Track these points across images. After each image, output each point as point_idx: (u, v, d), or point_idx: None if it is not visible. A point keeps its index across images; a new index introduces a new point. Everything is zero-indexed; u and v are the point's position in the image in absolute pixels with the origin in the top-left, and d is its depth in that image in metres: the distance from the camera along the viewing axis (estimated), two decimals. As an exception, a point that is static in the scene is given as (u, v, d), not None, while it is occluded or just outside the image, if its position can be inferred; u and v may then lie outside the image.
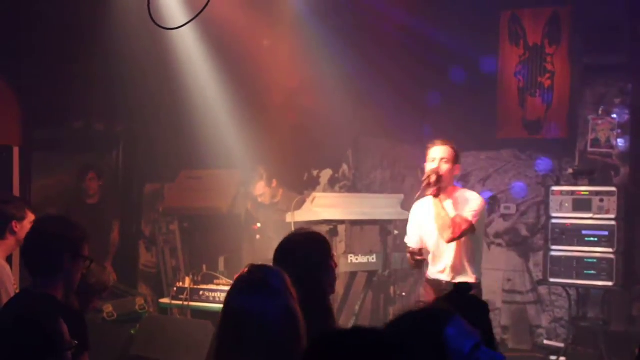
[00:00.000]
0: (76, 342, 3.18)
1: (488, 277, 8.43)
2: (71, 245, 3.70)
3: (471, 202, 5.70)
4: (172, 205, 8.64)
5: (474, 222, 5.62)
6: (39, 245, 3.69)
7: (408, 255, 5.74)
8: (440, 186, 5.63)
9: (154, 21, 4.30)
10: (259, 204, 8.02)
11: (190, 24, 4.87)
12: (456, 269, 5.75)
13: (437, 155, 5.72)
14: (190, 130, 8.43)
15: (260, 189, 7.95)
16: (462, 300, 2.96)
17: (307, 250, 3.76)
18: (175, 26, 4.50)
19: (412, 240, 5.94)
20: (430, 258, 5.86)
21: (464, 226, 5.58)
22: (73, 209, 8.23)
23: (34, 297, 3.61)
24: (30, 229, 3.97)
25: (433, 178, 5.61)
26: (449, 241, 5.63)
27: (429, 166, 5.74)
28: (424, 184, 5.67)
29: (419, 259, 5.68)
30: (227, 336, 2.82)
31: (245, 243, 7.94)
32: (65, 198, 8.56)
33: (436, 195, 5.63)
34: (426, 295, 5.90)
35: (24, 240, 3.85)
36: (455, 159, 5.78)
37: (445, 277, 5.77)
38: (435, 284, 5.81)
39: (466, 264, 5.74)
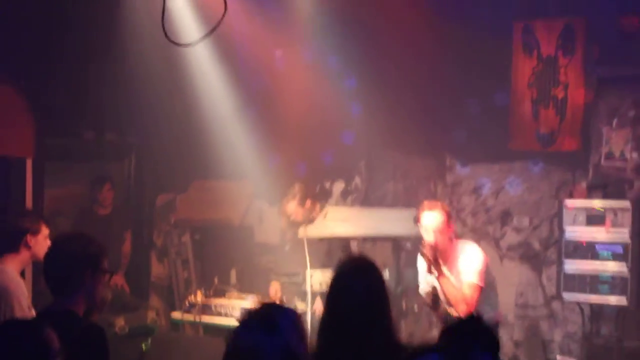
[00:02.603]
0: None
1: (500, 291, 8.40)
2: (92, 262, 3.80)
3: (473, 262, 5.71)
4: (184, 216, 8.63)
5: (482, 285, 5.66)
6: (60, 266, 3.78)
7: (425, 297, 5.81)
8: (440, 262, 5.63)
9: (168, 38, 4.29)
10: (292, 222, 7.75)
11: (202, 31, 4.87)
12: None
13: (430, 226, 5.70)
14: (203, 140, 8.42)
15: (292, 209, 7.54)
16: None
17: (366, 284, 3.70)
18: (189, 42, 4.49)
19: (424, 289, 5.99)
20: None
21: (476, 294, 5.62)
22: (85, 220, 8.24)
23: (54, 313, 3.63)
24: (49, 249, 4.02)
25: (430, 259, 5.62)
26: (465, 314, 5.53)
27: (425, 235, 5.73)
28: (425, 259, 5.68)
29: (436, 295, 5.72)
30: None
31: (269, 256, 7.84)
32: (77, 208, 8.55)
33: (439, 275, 5.63)
34: None
35: (44, 260, 3.89)
36: (448, 222, 5.77)
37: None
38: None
39: (483, 308, 5.71)
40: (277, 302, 7.22)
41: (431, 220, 5.71)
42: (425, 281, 5.96)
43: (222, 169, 8.44)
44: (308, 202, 7.55)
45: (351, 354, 3.03)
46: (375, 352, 3.46)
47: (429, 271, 5.64)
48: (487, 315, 5.60)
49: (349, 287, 3.69)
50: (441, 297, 5.79)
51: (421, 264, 5.98)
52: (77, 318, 3.65)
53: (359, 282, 3.69)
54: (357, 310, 3.57)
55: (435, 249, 5.63)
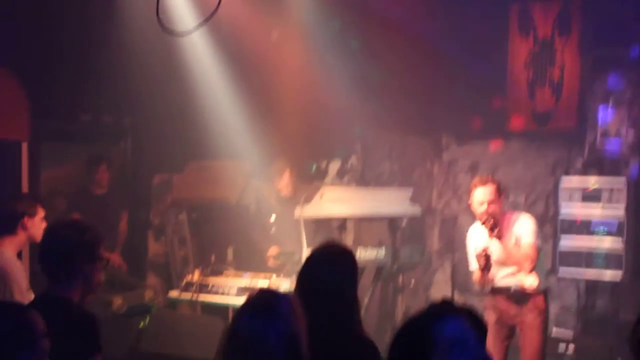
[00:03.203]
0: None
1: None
2: (88, 250, 3.75)
3: (529, 225, 6.14)
4: (181, 195, 8.62)
5: (538, 244, 6.10)
6: (55, 253, 3.73)
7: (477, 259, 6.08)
8: (499, 227, 6.03)
9: (162, 27, 4.28)
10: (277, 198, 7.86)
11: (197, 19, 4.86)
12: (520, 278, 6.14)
13: (485, 199, 6.08)
14: (199, 120, 8.41)
15: (284, 181, 7.74)
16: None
17: (334, 272, 3.73)
18: (184, 29, 4.48)
19: (473, 266, 6.33)
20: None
21: (536, 253, 6.05)
22: (81, 200, 8.25)
23: (50, 300, 3.64)
24: (44, 235, 3.99)
25: (491, 222, 6.00)
26: (530, 271, 6.05)
27: (478, 208, 6.10)
28: (486, 226, 6.02)
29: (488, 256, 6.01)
30: (229, 355, 2.87)
31: (257, 235, 7.88)
32: (73, 189, 8.56)
33: (500, 238, 6.03)
34: (498, 305, 6.26)
35: (40, 248, 3.86)
36: (499, 193, 6.15)
37: (514, 281, 6.15)
38: (504, 291, 6.21)
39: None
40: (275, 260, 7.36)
41: (486, 192, 6.08)
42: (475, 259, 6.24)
43: (218, 149, 8.43)
44: (293, 175, 7.75)
45: (317, 338, 3.05)
46: (338, 340, 3.48)
47: (492, 235, 6.00)
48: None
49: (317, 273, 3.71)
50: (492, 259, 6.07)
51: (473, 235, 6.35)
52: (72, 305, 3.64)
53: (328, 269, 3.71)
54: (323, 296, 3.60)
55: (494, 216, 6.01)
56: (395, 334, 2.37)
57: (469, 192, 6.22)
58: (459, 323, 2.33)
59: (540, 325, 6.15)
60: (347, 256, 3.84)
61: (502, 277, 6.18)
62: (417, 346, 2.28)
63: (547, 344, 6.32)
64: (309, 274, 3.74)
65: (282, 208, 7.58)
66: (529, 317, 6.14)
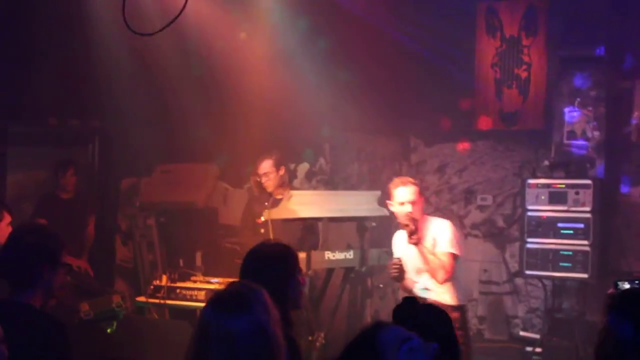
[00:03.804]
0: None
1: (465, 268, 8.51)
2: (50, 256, 3.72)
3: (446, 232, 5.92)
4: (149, 199, 8.59)
5: (457, 253, 5.86)
6: (17, 258, 3.69)
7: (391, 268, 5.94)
8: (418, 232, 5.79)
9: (129, 27, 4.27)
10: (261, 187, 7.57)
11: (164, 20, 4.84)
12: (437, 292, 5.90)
13: (406, 199, 5.89)
14: (166, 124, 8.41)
15: (265, 168, 7.40)
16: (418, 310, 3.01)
17: (273, 265, 3.74)
18: (150, 31, 4.46)
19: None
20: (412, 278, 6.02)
21: (452, 262, 5.80)
22: (48, 205, 8.19)
23: (12, 306, 3.60)
24: (6, 240, 3.94)
25: (411, 227, 5.75)
26: (444, 281, 5.80)
27: (399, 210, 5.89)
28: (406, 230, 5.80)
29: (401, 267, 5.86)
30: (197, 350, 2.81)
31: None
32: (40, 193, 8.50)
33: (417, 243, 5.78)
34: None
35: (1, 253, 3.82)
36: (420, 194, 6.00)
37: (430, 297, 5.88)
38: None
39: (448, 287, 5.89)
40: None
41: (407, 193, 5.89)
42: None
43: (186, 152, 8.41)
44: (282, 169, 7.48)
45: None
46: None
47: (410, 241, 5.77)
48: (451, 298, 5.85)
49: (254, 270, 3.72)
50: (407, 268, 5.92)
51: (397, 242, 6.15)
52: (34, 312, 3.61)
53: (262, 270, 3.71)
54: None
55: (414, 218, 5.79)
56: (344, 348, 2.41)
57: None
58: (400, 329, 2.39)
59: None
60: (286, 250, 3.86)
61: (421, 288, 5.96)
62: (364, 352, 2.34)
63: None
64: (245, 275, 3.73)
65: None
66: None
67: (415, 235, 5.76)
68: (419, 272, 5.93)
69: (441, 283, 5.81)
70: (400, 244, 6.08)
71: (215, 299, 2.88)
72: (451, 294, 5.87)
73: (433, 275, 5.81)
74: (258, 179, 7.50)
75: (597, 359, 3.36)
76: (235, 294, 2.89)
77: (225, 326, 2.75)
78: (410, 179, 6.07)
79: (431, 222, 6.05)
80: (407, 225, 5.77)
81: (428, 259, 5.79)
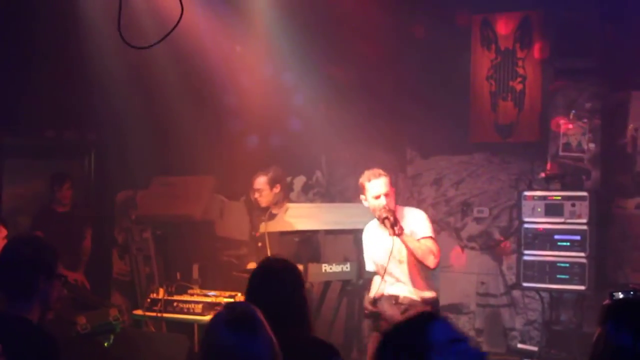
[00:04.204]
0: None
1: (462, 280, 8.52)
2: (45, 267, 3.71)
3: (422, 219, 5.97)
4: (145, 212, 8.60)
5: (434, 236, 5.91)
6: (12, 270, 3.68)
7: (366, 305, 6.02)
8: (398, 224, 5.72)
9: (124, 40, 4.28)
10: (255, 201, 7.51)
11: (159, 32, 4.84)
12: (414, 284, 5.93)
13: (381, 191, 5.84)
14: (162, 137, 8.41)
15: (260, 184, 7.31)
16: None
17: (282, 282, 3.75)
18: (146, 44, 4.47)
19: (369, 266, 6.17)
20: (378, 279, 6.04)
21: (437, 246, 5.86)
22: (44, 218, 8.18)
23: (7, 319, 3.60)
24: (2, 252, 3.94)
25: (391, 219, 5.69)
26: (435, 266, 5.86)
27: (375, 204, 5.85)
28: (384, 222, 5.75)
29: (374, 312, 5.93)
30: None
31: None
32: (35, 206, 8.48)
33: (400, 234, 5.72)
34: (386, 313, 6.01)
35: None
36: (392, 185, 5.96)
37: (403, 292, 5.94)
38: (392, 299, 5.97)
39: (421, 279, 5.94)
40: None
41: (381, 185, 5.84)
42: (370, 259, 6.13)
43: (182, 164, 8.41)
44: (278, 187, 7.35)
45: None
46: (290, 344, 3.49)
47: (393, 233, 5.69)
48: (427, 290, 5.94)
49: (261, 290, 3.73)
50: (378, 262, 5.97)
51: (369, 236, 6.15)
52: (30, 325, 3.59)
53: (272, 283, 3.73)
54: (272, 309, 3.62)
55: (392, 212, 5.73)
56: (386, 339, 2.42)
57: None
58: (450, 325, 2.41)
59: None
60: (290, 271, 3.87)
61: (390, 287, 5.98)
62: (415, 348, 2.34)
63: None
64: (254, 291, 3.74)
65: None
66: None
67: (397, 226, 5.68)
68: (400, 262, 5.91)
69: (433, 267, 5.84)
70: (373, 238, 6.08)
71: (227, 319, 2.87)
72: (426, 287, 5.93)
73: (424, 261, 5.78)
74: (252, 195, 7.48)
75: None
76: (246, 313, 2.90)
77: (244, 346, 2.78)
78: (380, 170, 5.96)
79: (405, 212, 6.02)
80: (387, 218, 5.69)
81: (414, 247, 5.76)
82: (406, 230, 5.78)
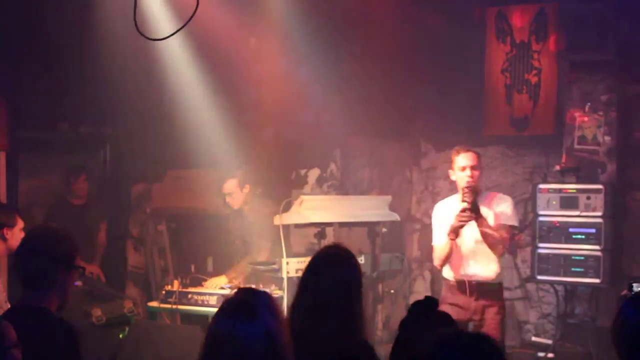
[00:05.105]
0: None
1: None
2: (64, 258, 3.72)
3: (510, 206, 6.01)
4: (160, 205, 8.62)
5: (516, 224, 6.03)
6: (31, 261, 3.69)
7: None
8: (477, 206, 5.73)
9: (139, 32, 4.29)
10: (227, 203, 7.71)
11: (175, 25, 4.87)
12: (486, 267, 5.96)
13: (468, 163, 5.88)
14: (177, 130, 8.40)
15: (230, 188, 7.54)
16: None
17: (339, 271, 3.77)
18: (161, 36, 4.49)
19: (440, 240, 6.04)
20: (451, 261, 6.00)
21: (510, 236, 5.97)
22: (60, 211, 8.21)
23: (27, 311, 3.62)
24: (20, 243, 3.96)
25: (470, 198, 5.70)
26: (501, 254, 5.94)
27: (461, 176, 5.89)
28: (465, 198, 5.74)
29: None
30: (207, 358, 2.85)
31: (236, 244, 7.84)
32: (51, 200, 8.52)
33: (478, 217, 5.74)
34: (452, 298, 6.03)
35: (16, 255, 3.84)
36: (480, 161, 6.03)
37: (478, 275, 5.95)
38: (462, 285, 5.96)
39: (495, 261, 5.97)
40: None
41: (468, 158, 5.90)
42: (444, 234, 6.00)
43: (197, 158, 8.42)
44: (247, 187, 7.56)
45: (319, 337, 3.06)
46: (340, 338, 3.50)
47: (467, 218, 5.70)
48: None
49: (322, 273, 3.74)
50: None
51: (440, 216, 6.10)
52: (48, 315, 3.61)
53: (331, 269, 3.74)
54: (325, 297, 3.62)
55: (475, 191, 5.77)
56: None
57: (450, 163, 6.04)
58: None
59: (499, 324, 5.97)
60: (350, 259, 3.86)
61: (464, 273, 5.96)
62: None
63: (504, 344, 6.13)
64: (312, 276, 3.76)
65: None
66: (489, 314, 5.93)
67: (474, 211, 5.70)
68: (476, 242, 5.90)
69: (499, 256, 5.89)
70: (448, 212, 6.00)
71: (225, 307, 2.92)
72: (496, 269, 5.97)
73: (492, 249, 5.83)
74: (224, 199, 7.66)
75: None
76: (244, 300, 2.91)
77: (234, 333, 2.78)
78: (472, 148, 6.05)
79: (494, 196, 6.10)
80: (467, 194, 5.71)
81: (486, 233, 5.78)
82: (493, 214, 5.86)
